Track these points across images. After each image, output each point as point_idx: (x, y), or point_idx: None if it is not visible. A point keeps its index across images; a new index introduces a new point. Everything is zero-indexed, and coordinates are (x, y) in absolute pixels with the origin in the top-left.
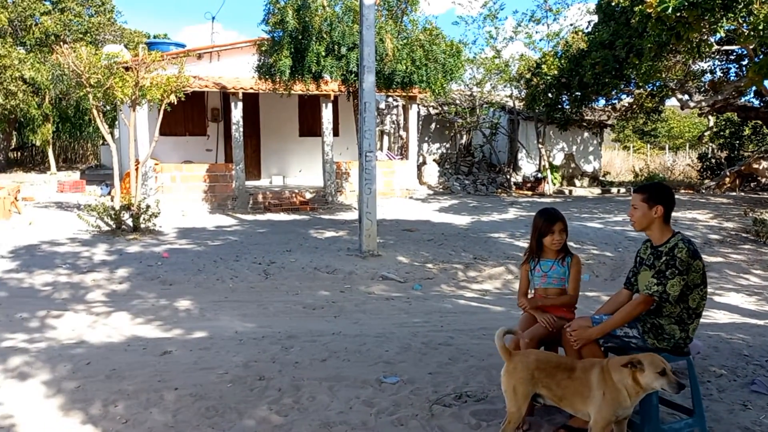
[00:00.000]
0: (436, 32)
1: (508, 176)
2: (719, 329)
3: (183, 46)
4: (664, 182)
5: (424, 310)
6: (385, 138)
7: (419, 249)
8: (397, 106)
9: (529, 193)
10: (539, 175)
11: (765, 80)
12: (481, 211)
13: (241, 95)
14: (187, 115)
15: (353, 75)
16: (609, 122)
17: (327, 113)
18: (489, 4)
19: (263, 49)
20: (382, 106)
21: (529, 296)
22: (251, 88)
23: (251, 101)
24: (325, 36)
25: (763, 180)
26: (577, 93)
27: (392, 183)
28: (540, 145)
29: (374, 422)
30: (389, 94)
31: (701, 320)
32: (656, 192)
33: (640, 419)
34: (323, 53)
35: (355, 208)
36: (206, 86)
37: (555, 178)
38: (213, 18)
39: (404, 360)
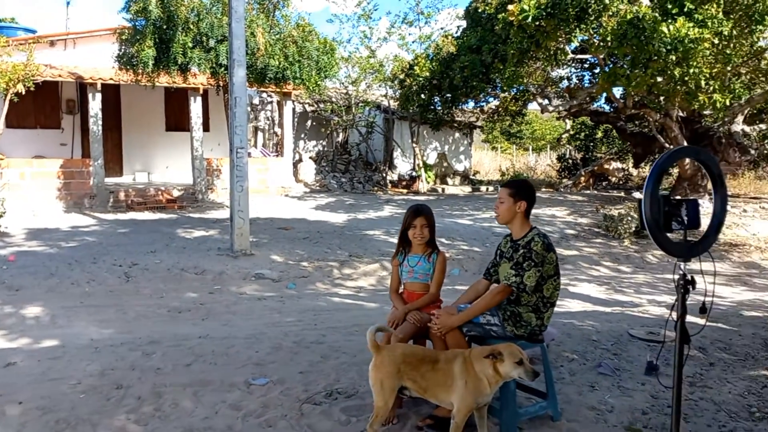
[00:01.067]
0: (309, 29)
1: (384, 174)
2: (572, 317)
3: (33, 31)
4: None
5: (298, 309)
6: (260, 134)
7: (294, 247)
8: (271, 102)
9: (405, 191)
10: (414, 173)
11: (613, 88)
12: (357, 208)
13: (99, 86)
14: (39, 107)
15: (223, 68)
16: (478, 124)
17: (196, 107)
18: (363, 4)
19: (124, 38)
20: (256, 101)
21: (401, 290)
22: (111, 79)
23: (112, 93)
24: (192, 27)
25: (613, 179)
26: (448, 95)
27: (267, 180)
28: (414, 145)
29: (241, 426)
30: (263, 89)
31: (556, 309)
32: (521, 188)
33: (499, 405)
34: (190, 44)
35: (227, 207)
36: (60, 76)
37: (429, 177)
38: (68, 2)
39: (275, 360)
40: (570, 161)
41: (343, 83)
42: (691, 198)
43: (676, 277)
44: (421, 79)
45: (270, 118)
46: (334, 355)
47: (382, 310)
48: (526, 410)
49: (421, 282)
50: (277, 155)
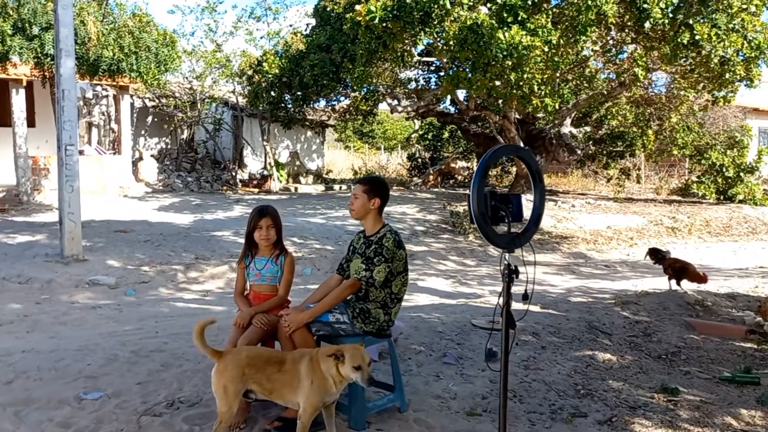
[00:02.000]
0: (147, 19)
1: (234, 173)
2: (420, 310)
3: None
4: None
5: (138, 317)
6: (95, 131)
7: (134, 251)
8: (107, 96)
9: (256, 190)
10: (265, 172)
11: (457, 90)
12: (204, 209)
13: None
14: None
15: (49, 58)
16: (330, 122)
17: (18, 100)
18: None
19: None
20: (89, 95)
21: (247, 293)
22: None
23: None
24: (11, 12)
25: (459, 177)
26: (298, 93)
27: (103, 180)
28: (265, 143)
29: None
30: (96, 82)
31: (405, 303)
32: (376, 185)
33: (347, 400)
34: (9, 31)
35: (56, 209)
36: None
37: (281, 176)
38: None
39: (109, 372)
40: (419, 160)
41: (187, 78)
42: (515, 193)
43: (502, 267)
44: (270, 76)
45: (105, 114)
46: (176, 363)
47: (231, 314)
48: (374, 404)
49: (269, 284)
50: (114, 153)
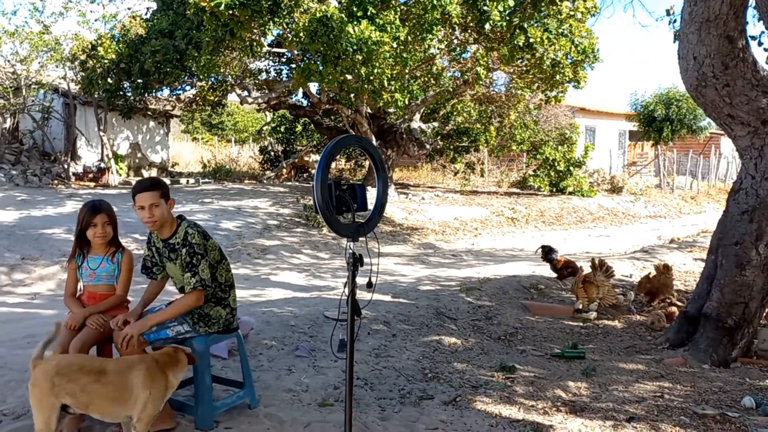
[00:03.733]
0: None
1: (66, 166)
2: (272, 305)
3: None
4: (231, 172)
5: None
6: None
7: None
8: None
9: (92, 184)
10: (102, 164)
11: (309, 83)
12: (32, 205)
13: None
14: None
15: None
16: (175, 113)
17: None
18: None
19: None
20: None
21: (79, 294)
22: None
23: None
24: None
25: (313, 171)
26: (139, 80)
27: None
28: (102, 133)
29: None
30: None
31: (256, 298)
32: (164, 185)
33: (194, 401)
34: None
35: None
36: None
37: (121, 168)
38: None
39: None
40: (272, 153)
41: (9, 61)
42: (359, 183)
43: (347, 256)
44: (106, 61)
45: None
46: None
47: (62, 317)
48: (223, 402)
49: (105, 284)
50: None
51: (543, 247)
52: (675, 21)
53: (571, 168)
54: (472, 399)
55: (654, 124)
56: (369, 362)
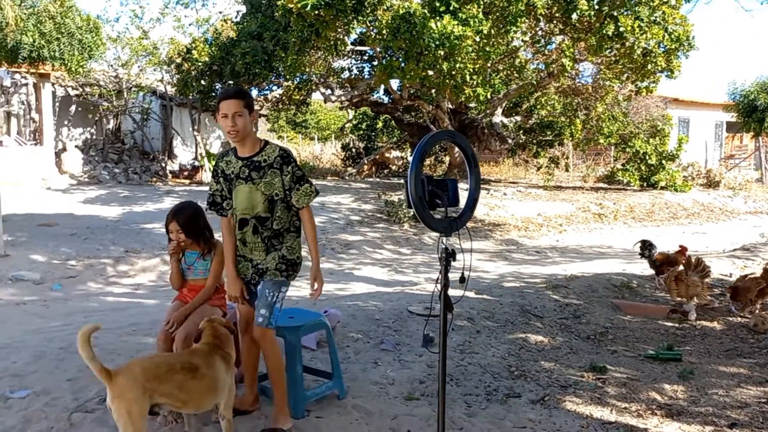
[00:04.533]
0: (68, 4)
1: (164, 164)
2: (357, 299)
3: None
4: (314, 169)
5: (65, 312)
6: (14, 121)
7: (59, 245)
8: (27, 85)
9: (187, 181)
10: (196, 163)
11: (390, 79)
12: (133, 201)
13: None
14: None
15: None
16: (263, 112)
17: None
18: None
19: None
20: (7, 83)
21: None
22: None
23: None
24: None
25: (393, 167)
26: (230, 81)
27: (24, 172)
28: (196, 133)
29: None
30: (15, 69)
31: (342, 293)
32: (250, 96)
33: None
34: None
35: None
36: None
37: (213, 166)
38: None
39: (37, 370)
40: (354, 150)
41: (112, 66)
42: (451, 178)
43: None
44: (200, 64)
45: (26, 103)
46: (108, 358)
47: (163, 307)
48: (313, 392)
49: (203, 277)
50: (35, 143)
51: (642, 241)
52: None
53: (663, 161)
54: (561, 399)
55: (755, 114)
56: (454, 358)
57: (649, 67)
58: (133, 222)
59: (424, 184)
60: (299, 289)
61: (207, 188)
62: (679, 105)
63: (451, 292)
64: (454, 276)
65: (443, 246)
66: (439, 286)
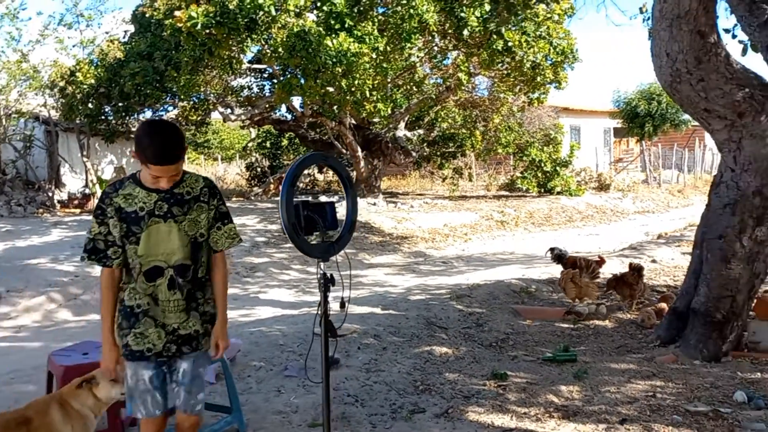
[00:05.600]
0: None
1: (50, 194)
2: (261, 324)
3: None
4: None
5: None
6: None
7: None
8: None
9: (77, 210)
10: (87, 190)
11: (291, 97)
12: (16, 235)
13: None
14: None
15: None
16: None
17: None
18: (6, 2)
19: None
20: None
21: None
22: None
23: None
24: None
25: (300, 185)
26: (119, 104)
27: None
28: (85, 159)
29: None
30: None
31: (246, 318)
32: (184, 141)
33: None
34: None
35: None
36: None
37: None
38: None
39: None
40: (259, 169)
41: None
42: (329, 201)
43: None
44: (86, 86)
45: None
46: None
47: (50, 349)
48: (211, 429)
49: None
50: None
51: (552, 249)
52: (648, 18)
53: (557, 168)
54: (464, 410)
55: (637, 120)
56: (359, 378)
57: (539, 79)
58: (16, 258)
59: (299, 209)
60: None
61: None
62: (569, 114)
63: (359, 310)
64: (357, 294)
65: (321, 272)
66: (320, 311)
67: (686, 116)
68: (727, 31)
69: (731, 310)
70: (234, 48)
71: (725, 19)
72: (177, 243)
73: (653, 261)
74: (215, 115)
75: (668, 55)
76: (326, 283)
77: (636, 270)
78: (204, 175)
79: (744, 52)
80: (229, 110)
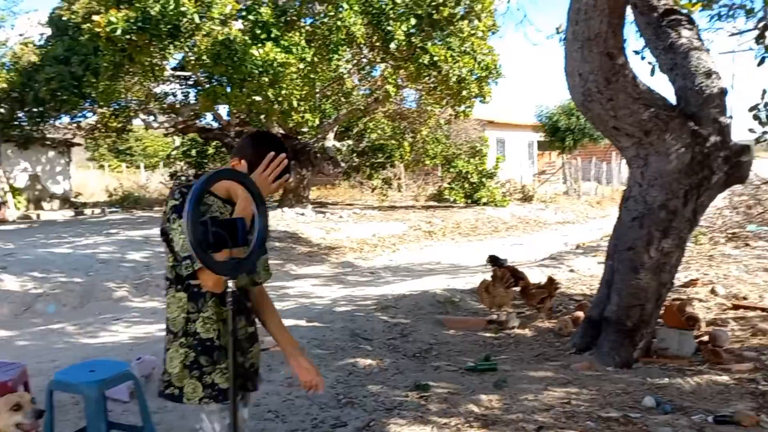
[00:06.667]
0: None
1: None
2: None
3: None
4: (140, 200)
5: None
6: None
7: None
8: None
9: None
10: None
11: (217, 105)
12: None
13: None
14: None
15: None
16: (76, 141)
17: None
18: None
19: None
20: None
21: None
22: None
23: None
24: None
25: None
26: (34, 109)
27: None
28: None
29: None
30: None
31: (160, 334)
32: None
33: None
34: None
35: None
36: None
37: (19, 202)
38: None
39: None
40: (183, 178)
41: None
42: (239, 218)
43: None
44: None
45: None
46: None
47: None
48: None
49: None
50: None
51: (490, 257)
52: (564, 39)
53: (483, 179)
54: (385, 422)
55: (558, 134)
56: (281, 393)
57: (464, 93)
58: None
59: (207, 225)
60: (115, 333)
61: (11, 227)
62: (495, 127)
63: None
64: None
65: (230, 289)
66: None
67: None
68: (636, 52)
69: (641, 319)
70: (156, 55)
71: (635, 41)
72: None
73: (571, 270)
74: (137, 122)
75: (580, 75)
76: (235, 302)
77: (549, 280)
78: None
79: (652, 72)
80: (151, 117)
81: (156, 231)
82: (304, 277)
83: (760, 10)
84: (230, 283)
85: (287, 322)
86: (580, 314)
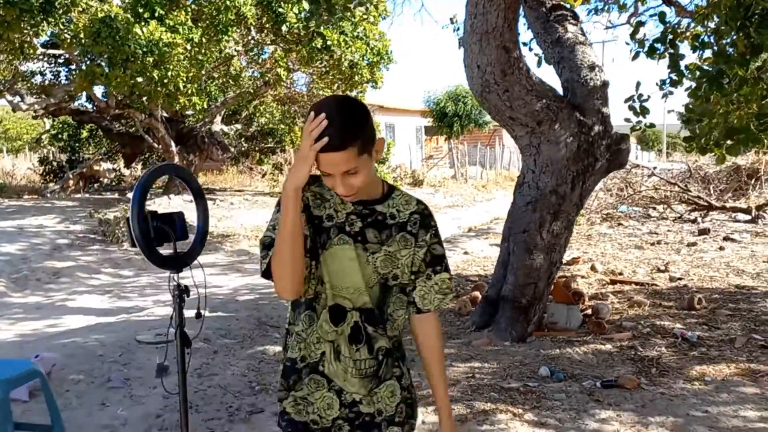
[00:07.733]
0: None
1: None
2: (74, 335)
3: None
4: (6, 188)
5: None
6: None
7: None
8: None
9: None
10: None
11: (94, 86)
12: None
13: None
14: None
15: None
16: None
17: None
18: None
19: None
20: None
21: None
22: None
23: None
24: None
25: (105, 181)
26: None
27: None
28: None
29: None
30: None
31: (55, 329)
32: (362, 129)
33: None
34: None
35: None
36: None
37: None
38: None
39: None
40: (55, 164)
41: None
42: (177, 212)
43: (173, 287)
44: None
45: None
46: None
47: None
48: None
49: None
50: None
51: None
52: (458, 29)
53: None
54: None
55: (446, 119)
56: (192, 384)
57: (356, 78)
58: None
59: (148, 220)
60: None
61: None
62: (385, 112)
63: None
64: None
65: (175, 283)
66: (175, 323)
67: (488, 117)
68: (524, 44)
69: (534, 296)
70: (27, 31)
71: (524, 32)
72: (366, 278)
73: (465, 253)
74: (2, 103)
75: (479, 67)
76: (181, 294)
77: None
78: (418, 198)
79: (539, 63)
80: (18, 98)
81: (28, 221)
82: (197, 267)
83: (631, 5)
84: (175, 276)
85: (189, 312)
86: (477, 294)
